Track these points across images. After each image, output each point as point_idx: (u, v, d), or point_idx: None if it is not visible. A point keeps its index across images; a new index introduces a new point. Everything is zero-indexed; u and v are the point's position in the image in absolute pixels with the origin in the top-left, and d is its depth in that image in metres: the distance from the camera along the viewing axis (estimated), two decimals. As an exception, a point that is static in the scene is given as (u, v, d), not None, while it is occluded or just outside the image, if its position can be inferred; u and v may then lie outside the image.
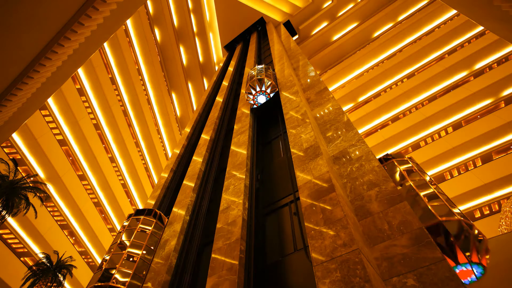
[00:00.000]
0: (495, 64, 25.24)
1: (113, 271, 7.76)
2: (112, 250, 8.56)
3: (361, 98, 32.92)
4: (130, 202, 39.65)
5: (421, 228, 4.55)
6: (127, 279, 7.65)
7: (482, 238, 5.42)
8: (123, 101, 36.18)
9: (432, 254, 4.11)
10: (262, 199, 8.51)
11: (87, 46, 13.41)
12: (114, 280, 7.56)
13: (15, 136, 25.71)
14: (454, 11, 28.98)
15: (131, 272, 7.83)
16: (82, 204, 32.32)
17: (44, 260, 23.58)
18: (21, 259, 26.94)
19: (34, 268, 22.96)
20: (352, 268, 4.04)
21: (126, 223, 9.57)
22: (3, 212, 19.46)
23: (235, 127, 12.40)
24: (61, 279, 23.96)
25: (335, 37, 36.71)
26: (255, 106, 12.95)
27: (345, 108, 33.49)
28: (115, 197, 36.25)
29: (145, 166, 41.96)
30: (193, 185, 10.88)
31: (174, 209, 10.40)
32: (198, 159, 12.85)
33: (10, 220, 25.58)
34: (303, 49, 36.18)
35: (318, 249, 4.69)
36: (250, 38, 33.22)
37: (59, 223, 30.65)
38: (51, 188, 28.73)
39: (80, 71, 29.98)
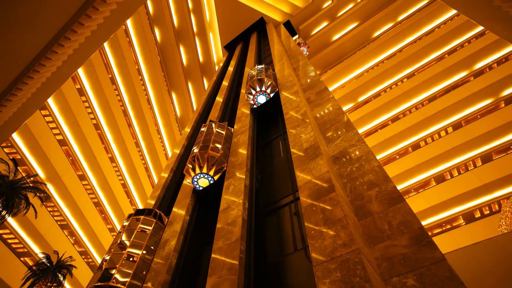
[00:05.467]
0: (495, 64, 25.24)
1: (113, 271, 7.74)
2: (112, 250, 8.55)
3: (361, 98, 32.92)
4: (130, 202, 39.66)
5: (421, 228, 4.56)
6: (127, 279, 7.65)
7: None
8: (123, 101, 36.18)
9: (432, 254, 4.11)
10: (262, 199, 8.51)
11: (87, 46, 13.41)
12: (114, 280, 7.55)
13: (15, 136, 25.71)
14: (454, 11, 28.98)
15: (131, 272, 7.82)
16: (82, 204, 32.32)
17: (44, 260, 23.58)
18: (21, 259, 26.94)
19: (34, 268, 22.96)
20: (352, 268, 4.04)
21: (126, 223, 9.56)
22: (3, 212, 19.46)
23: (235, 127, 12.40)
24: (61, 279, 23.96)
25: (335, 37, 36.71)
26: (255, 106, 12.59)
27: (345, 108, 33.49)
28: (115, 197, 36.26)
29: (145, 166, 41.96)
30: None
31: (174, 209, 10.40)
32: (198, 159, 12.83)
33: (10, 220, 25.58)
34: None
35: (318, 249, 4.69)
36: (250, 38, 33.22)
37: (59, 223, 30.65)
38: (51, 188, 28.74)
39: (80, 71, 29.98)
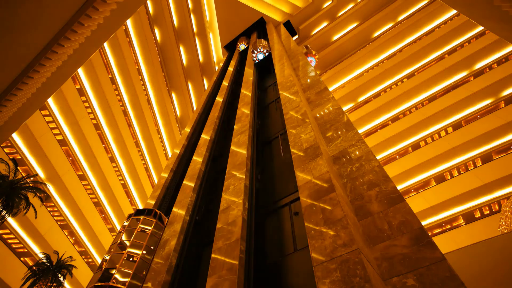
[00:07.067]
0: (495, 64, 25.23)
1: (113, 271, 7.74)
2: (112, 250, 8.55)
3: (361, 98, 32.92)
4: (130, 202, 39.65)
5: (421, 228, 4.55)
6: (127, 279, 7.65)
7: None
8: (123, 101, 36.17)
9: (432, 254, 4.11)
10: (262, 199, 8.51)
11: (87, 46, 13.41)
12: (114, 280, 7.55)
13: (15, 136, 25.71)
14: (454, 11, 28.97)
15: (131, 272, 7.83)
16: (82, 204, 32.32)
17: (44, 260, 23.57)
18: (21, 259, 26.94)
19: (34, 268, 22.94)
20: (352, 268, 4.04)
21: (126, 223, 9.55)
22: (3, 212, 19.45)
23: (235, 127, 12.40)
24: (61, 279, 23.95)
25: (335, 37, 36.70)
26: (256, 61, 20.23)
27: (345, 108, 33.48)
28: (115, 197, 36.26)
29: (145, 166, 41.96)
30: (193, 185, 10.88)
31: (174, 209, 10.41)
32: (198, 159, 12.85)
33: (10, 220, 25.58)
34: (303, 49, 36.15)
35: (318, 249, 4.69)
36: (250, 38, 33.20)
37: (59, 223, 30.65)
38: (51, 188, 28.73)
39: (80, 71, 29.97)
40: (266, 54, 20.73)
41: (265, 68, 20.34)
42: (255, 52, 20.76)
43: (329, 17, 36.23)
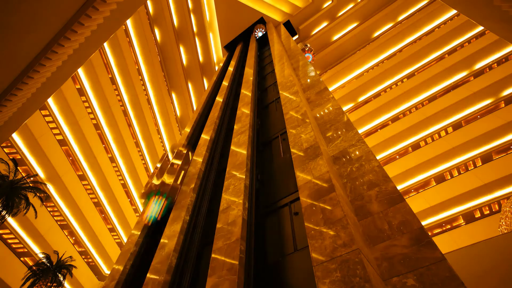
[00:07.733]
0: (495, 64, 25.23)
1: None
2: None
3: (361, 98, 32.92)
4: (130, 202, 39.66)
5: (421, 228, 4.55)
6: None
7: None
8: (123, 101, 36.17)
9: (432, 254, 4.11)
10: (262, 199, 8.51)
11: (87, 46, 13.41)
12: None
13: (15, 136, 25.71)
14: (454, 11, 28.97)
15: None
16: (82, 204, 32.32)
17: (44, 260, 23.60)
18: (21, 259, 26.94)
19: (34, 268, 22.98)
20: (352, 268, 4.04)
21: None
22: (3, 212, 19.46)
23: (235, 127, 12.40)
24: (61, 279, 23.98)
25: (335, 37, 36.70)
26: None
27: (345, 108, 33.49)
28: (115, 197, 36.26)
29: (145, 166, 41.96)
30: (193, 185, 10.88)
31: (174, 209, 10.41)
32: (198, 159, 12.85)
33: (10, 220, 25.58)
34: (302, 45, 36.13)
35: (318, 249, 4.69)
36: (250, 38, 33.19)
37: (59, 223, 30.65)
38: (51, 188, 28.73)
39: (80, 71, 29.98)
40: (264, 32, 30.79)
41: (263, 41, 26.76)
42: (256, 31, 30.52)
43: (329, 17, 36.23)
